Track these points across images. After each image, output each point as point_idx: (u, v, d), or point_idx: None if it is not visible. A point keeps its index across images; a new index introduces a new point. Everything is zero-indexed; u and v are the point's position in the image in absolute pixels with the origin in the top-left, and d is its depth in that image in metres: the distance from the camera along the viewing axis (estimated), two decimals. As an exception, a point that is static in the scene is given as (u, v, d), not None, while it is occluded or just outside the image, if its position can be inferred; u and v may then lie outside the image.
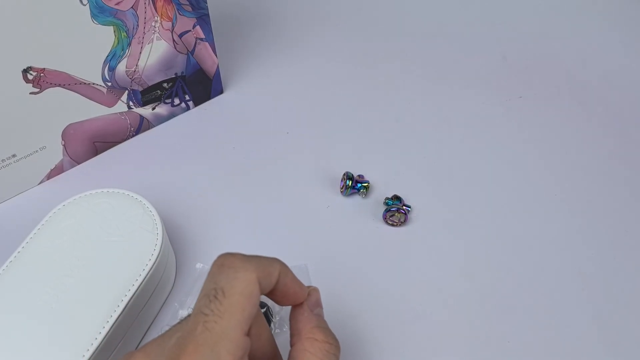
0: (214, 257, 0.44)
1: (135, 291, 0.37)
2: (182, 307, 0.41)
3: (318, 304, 0.33)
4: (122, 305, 0.36)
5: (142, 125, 0.53)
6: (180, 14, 0.48)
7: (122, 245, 0.39)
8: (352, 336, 0.41)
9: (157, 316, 0.41)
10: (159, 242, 0.39)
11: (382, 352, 0.40)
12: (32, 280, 0.37)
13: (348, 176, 0.48)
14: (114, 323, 0.35)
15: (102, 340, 0.35)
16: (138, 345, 0.40)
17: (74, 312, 0.36)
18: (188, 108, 0.56)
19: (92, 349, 0.34)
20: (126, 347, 0.38)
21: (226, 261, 0.28)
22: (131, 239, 0.39)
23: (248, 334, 0.28)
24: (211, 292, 0.27)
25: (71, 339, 0.35)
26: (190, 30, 0.50)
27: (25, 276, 0.37)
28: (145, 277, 0.38)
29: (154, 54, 0.49)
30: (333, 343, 0.31)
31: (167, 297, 0.42)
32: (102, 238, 0.39)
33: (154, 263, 0.38)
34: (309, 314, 0.32)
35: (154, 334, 0.41)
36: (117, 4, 0.44)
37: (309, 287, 0.33)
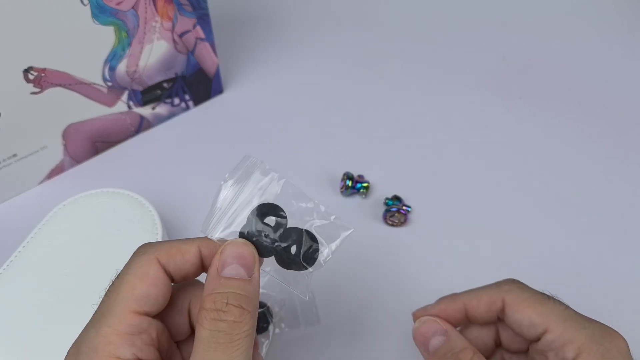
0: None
1: None
2: None
3: (227, 263, 0.27)
4: None
5: (142, 125, 0.53)
6: (180, 14, 0.48)
7: (121, 245, 0.39)
8: (352, 336, 0.41)
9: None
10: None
11: (382, 352, 0.40)
12: (32, 280, 0.37)
13: (348, 176, 0.48)
14: None
15: None
16: None
17: (73, 312, 0.36)
18: (188, 108, 0.56)
19: None
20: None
21: (138, 249, 0.29)
22: (131, 238, 0.39)
23: (160, 316, 0.28)
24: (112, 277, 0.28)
25: (70, 338, 0.35)
26: (190, 30, 0.50)
27: (26, 275, 0.37)
28: None
29: (154, 54, 0.49)
30: (222, 309, 0.25)
31: None
32: (102, 238, 0.39)
33: None
34: (210, 279, 0.27)
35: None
36: (118, 4, 0.44)
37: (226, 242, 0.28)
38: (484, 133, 0.55)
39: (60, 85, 0.45)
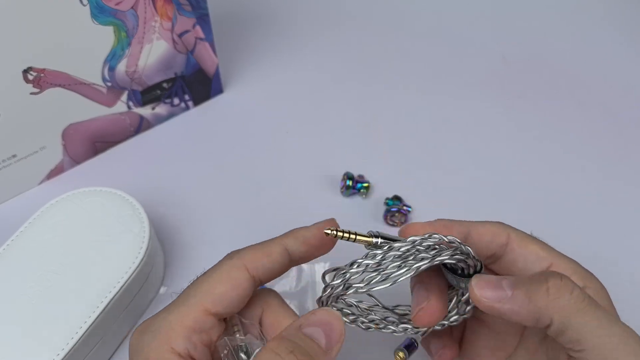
0: (208, 261, 0.44)
1: (116, 294, 0.37)
2: None
3: (311, 324, 0.26)
4: (101, 307, 0.36)
5: (142, 125, 0.53)
6: (180, 14, 0.48)
7: (108, 246, 0.39)
8: (352, 337, 0.41)
9: (139, 320, 0.41)
10: (144, 246, 0.39)
11: (382, 353, 0.40)
12: (17, 274, 0.37)
13: (348, 176, 0.48)
14: (92, 324, 0.35)
15: (79, 339, 0.35)
16: (119, 345, 0.40)
17: (54, 309, 0.36)
18: (188, 108, 0.56)
19: (67, 349, 0.34)
20: (106, 347, 0.39)
21: (226, 255, 0.30)
22: (118, 240, 0.39)
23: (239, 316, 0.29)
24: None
25: (49, 335, 0.35)
26: (190, 30, 0.50)
27: (11, 269, 0.37)
28: (127, 281, 0.37)
29: (153, 53, 0.49)
30: (285, 357, 0.25)
31: (150, 303, 0.42)
32: (89, 237, 0.39)
33: (138, 266, 0.38)
34: (290, 328, 0.26)
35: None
36: (117, 4, 0.44)
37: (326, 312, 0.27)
38: (483, 132, 0.54)
39: (59, 85, 0.45)
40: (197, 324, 0.27)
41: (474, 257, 0.30)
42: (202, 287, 0.28)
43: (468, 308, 0.32)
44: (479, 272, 0.30)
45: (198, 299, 0.28)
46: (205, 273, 0.29)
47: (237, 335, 0.29)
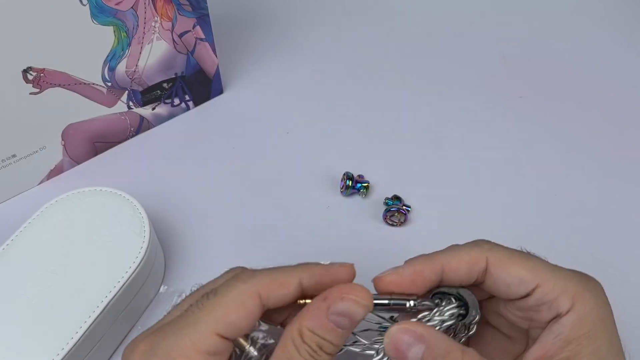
0: (209, 262, 0.44)
1: (115, 294, 0.37)
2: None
3: (339, 311, 0.27)
4: (101, 307, 0.36)
5: (142, 126, 0.53)
6: (180, 14, 0.48)
7: (108, 246, 0.39)
8: (352, 336, 0.41)
9: (138, 320, 0.41)
10: (144, 246, 0.39)
11: (382, 353, 0.40)
12: (17, 274, 0.37)
13: (348, 176, 0.48)
14: (91, 324, 0.35)
15: (79, 339, 0.35)
16: (119, 345, 0.40)
17: (54, 310, 0.36)
18: (188, 108, 0.56)
19: (67, 348, 0.34)
20: (105, 347, 0.38)
21: (237, 274, 0.29)
22: (118, 240, 0.39)
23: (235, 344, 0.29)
24: (207, 291, 0.28)
25: (48, 335, 0.35)
26: (190, 31, 0.50)
27: (10, 269, 0.37)
28: (127, 281, 0.37)
29: (153, 54, 0.49)
30: (316, 351, 0.27)
31: (150, 303, 0.42)
32: (89, 237, 0.39)
33: (137, 266, 0.38)
34: (317, 309, 0.27)
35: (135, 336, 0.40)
36: (117, 4, 0.44)
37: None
38: (484, 132, 0.54)
39: (59, 85, 0.45)
40: (212, 348, 0.27)
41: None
42: (214, 312, 0.27)
43: (471, 333, 0.32)
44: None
45: (210, 325, 0.27)
46: (217, 294, 0.28)
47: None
